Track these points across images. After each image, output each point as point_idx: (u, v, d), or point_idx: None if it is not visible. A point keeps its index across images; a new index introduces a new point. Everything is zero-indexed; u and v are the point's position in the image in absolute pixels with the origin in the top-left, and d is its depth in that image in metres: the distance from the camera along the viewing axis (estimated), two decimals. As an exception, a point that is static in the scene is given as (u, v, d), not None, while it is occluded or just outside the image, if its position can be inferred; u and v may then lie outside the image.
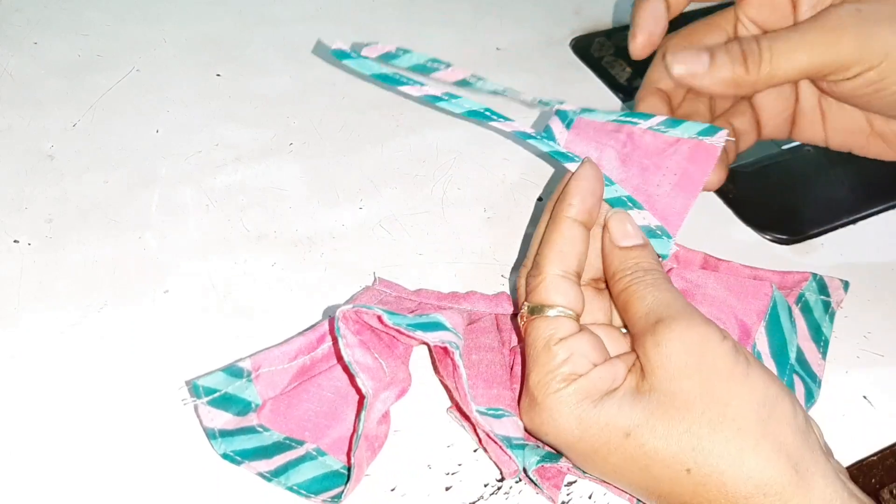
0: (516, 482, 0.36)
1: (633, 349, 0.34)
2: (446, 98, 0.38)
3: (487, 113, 0.38)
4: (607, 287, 0.37)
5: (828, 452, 0.33)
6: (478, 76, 0.40)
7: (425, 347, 0.40)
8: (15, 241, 0.43)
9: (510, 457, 0.33)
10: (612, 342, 0.35)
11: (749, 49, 0.38)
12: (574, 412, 0.32)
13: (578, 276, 0.35)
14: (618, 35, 0.60)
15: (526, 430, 0.35)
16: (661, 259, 0.37)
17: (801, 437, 0.31)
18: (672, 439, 0.31)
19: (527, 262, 0.37)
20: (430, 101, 0.38)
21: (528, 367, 0.34)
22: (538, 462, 0.34)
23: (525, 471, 0.34)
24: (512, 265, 0.44)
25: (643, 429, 0.31)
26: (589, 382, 0.32)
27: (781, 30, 0.38)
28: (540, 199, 0.48)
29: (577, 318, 0.34)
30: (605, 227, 0.37)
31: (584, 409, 0.32)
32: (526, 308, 0.35)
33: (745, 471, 0.30)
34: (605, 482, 0.35)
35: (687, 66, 0.38)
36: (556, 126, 0.39)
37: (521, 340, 0.36)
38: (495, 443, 0.34)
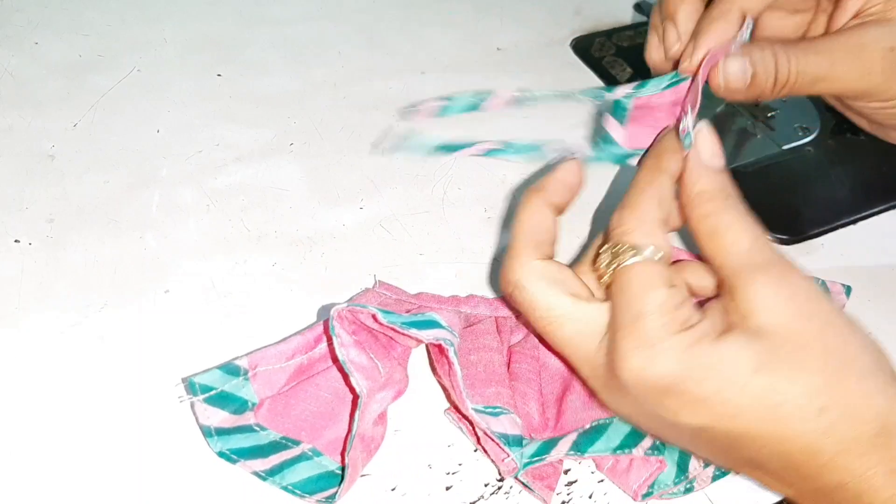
0: (516, 479, 0.36)
1: (728, 284, 0.32)
2: (504, 148, 0.39)
3: (543, 148, 0.39)
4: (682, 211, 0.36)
5: None
6: (525, 90, 0.40)
7: (425, 350, 0.40)
8: (16, 241, 0.43)
9: (508, 454, 0.33)
10: None
11: (781, 72, 0.37)
12: (696, 354, 0.30)
13: None
14: (618, 35, 0.60)
15: (616, 384, 0.32)
16: None
17: None
18: (803, 377, 0.30)
19: (522, 245, 0.36)
20: (493, 154, 0.39)
21: (638, 308, 0.31)
22: (533, 454, 0.34)
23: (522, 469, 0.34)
24: (512, 265, 0.44)
25: (772, 365, 0.30)
26: (709, 322, 0.31)
27: (814, 46, 0.38)
28: (540, 199, 0.48)
29: None
30: (694, 141, 0.35)
31: (704, 349, 0.30)
32: (622, 248, 0.33)
33: (875, 409, 0.29)
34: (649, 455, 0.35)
35: (733, 83, 0.37)
36: (613, 128, 0.39)
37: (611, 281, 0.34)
38: (493, 440, 0.34)
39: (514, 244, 0.36)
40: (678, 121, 0.37)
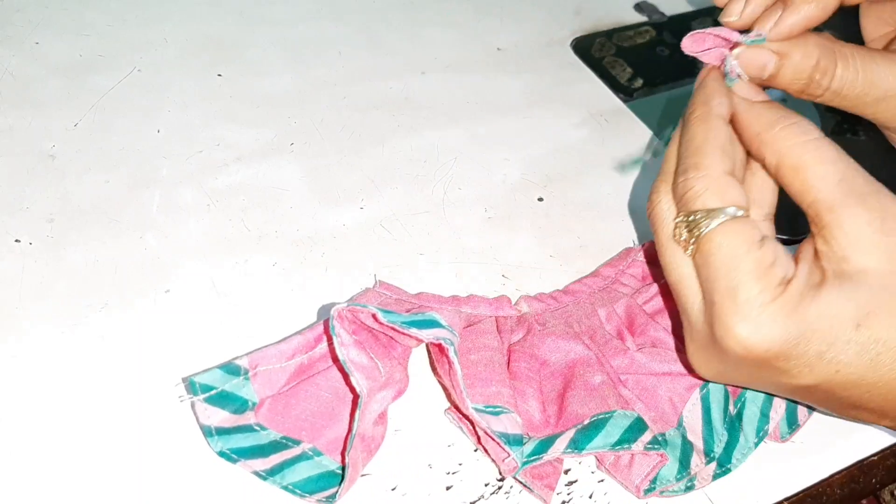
0: (514, 479, 0.36)
1: (821, 222, 0.30)
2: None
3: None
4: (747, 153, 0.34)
5: None
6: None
7: (425, 349, 0.40)
8: (16, 241, 0.43)
9: (509, 453, 0.33)
10: None
11: (823, 80, 0.33)
12: (801, 318, 0.29)
13: None
14: (618, 35, 0.60)
15: (724, 357, 0.32)
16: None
17: None
18: None
19: (664, 176, 0.34)
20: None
21: (731, 278, 0.30)
22: (530, 454, 0.34)
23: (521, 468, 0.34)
24: (512, 265, 0.44)
25: (874, 316, 0.29)
26: (802, 281, 0.30)
27: (873, 62, 0.34)
28: (540, 199, 0.48)
29: None
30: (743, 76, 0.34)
31: (807, 309, 0.29)
32: (699, 215, 0.31)
33: None
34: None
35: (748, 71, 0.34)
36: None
37: (655, 261, 0.33)
38: (493, 440, 0.34)
39: (664, 165, 0.34)
40: (721, 63, 0.35)
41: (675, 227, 0.32)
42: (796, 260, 0.31)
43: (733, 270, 0.30)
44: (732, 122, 0.33)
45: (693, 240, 0.31)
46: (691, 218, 0.31)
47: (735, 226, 0.30)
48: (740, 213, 0.31)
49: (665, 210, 0.33)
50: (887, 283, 0.29)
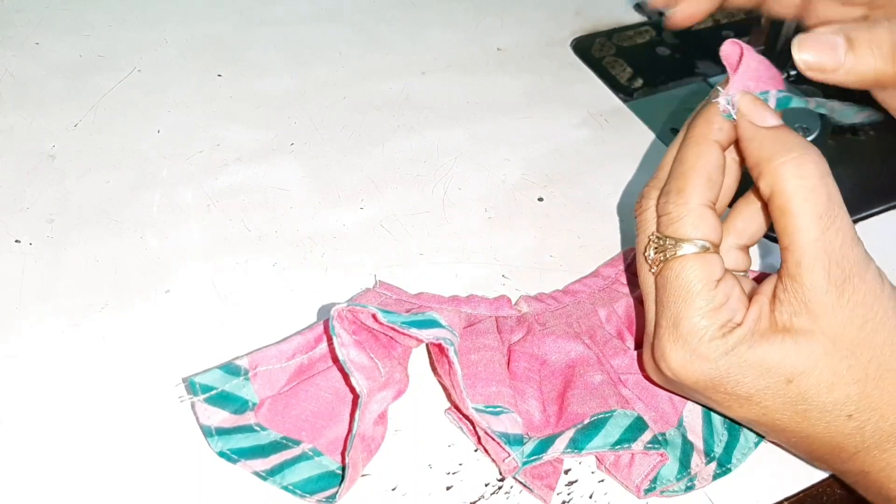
0: (514, 479, 0.36)
1: (791, 270, 0.30)
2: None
3: None
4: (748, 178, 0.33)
5: None
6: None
7: (425, 349, 0.40)
8: (16, 241, 0.43)
9: (509, 453, 0.33)
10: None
11: None
12: (733, 360, 0.30)
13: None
14: (618, 35, 0.60)
15: (660, 373, 0.33)
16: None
17: None
18: (837, 388, 0.30)
19: (657, 182, 0.34)
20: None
21: (678, 309, 0.31)
22: (530, 454, 0.34)
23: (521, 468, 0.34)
24: (512, 265, 0.44)
25: (807, 377, 0.30)
26: (747, 328, 0.31)
27: None
28: (540, 199, 0.48)
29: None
30: (738, 110, 0.33)
31: (742, 355, 0.30)
32: (668, 241, 0.32)
33: None
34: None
35: (816, 57, 0.31)
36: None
37: (636, 271, 0.34)
38: (493, 440, 0.34)
39: (658, 171, 0.35)
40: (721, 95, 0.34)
41: (648, 244, 0.33)
42: (751, 296, 0.32)
43: (683, 302, 0.31)
44: (736, 141, 0.34)
45: (658, 261, 0.33)
46: (662, 241, 0.33)
47: (697, 260, 0.31)
48: (708, 247, 0.32)
49: (649, 219, 0.34)
50: (827, 351, 0.30)
